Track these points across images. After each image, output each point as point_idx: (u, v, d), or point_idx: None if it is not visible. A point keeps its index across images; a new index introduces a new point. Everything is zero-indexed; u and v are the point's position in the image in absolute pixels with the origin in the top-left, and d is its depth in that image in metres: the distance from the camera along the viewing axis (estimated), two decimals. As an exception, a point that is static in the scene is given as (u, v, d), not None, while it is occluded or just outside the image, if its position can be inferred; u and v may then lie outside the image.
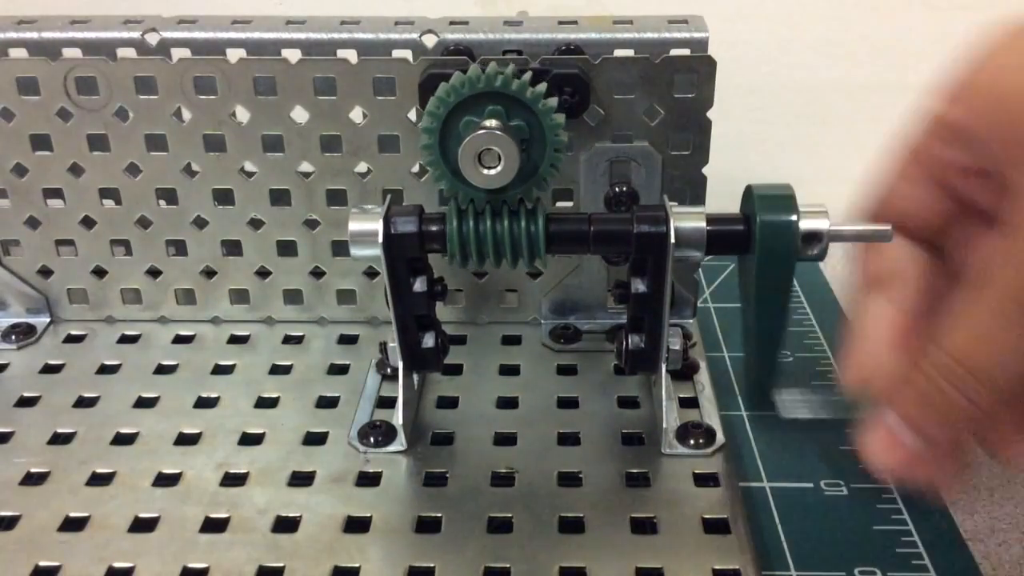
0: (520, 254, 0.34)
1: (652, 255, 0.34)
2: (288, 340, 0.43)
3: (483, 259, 0.34)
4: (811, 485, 0.36)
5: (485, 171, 0.32)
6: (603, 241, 0.34)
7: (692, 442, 0.36)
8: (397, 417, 0.36)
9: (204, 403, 0.39)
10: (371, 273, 0.43)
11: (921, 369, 0.29)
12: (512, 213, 0.33)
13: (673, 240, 0.33)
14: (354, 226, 0.34)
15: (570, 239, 0.34)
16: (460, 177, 0.32)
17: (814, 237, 0.32)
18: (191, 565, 0.31)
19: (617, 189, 0.39)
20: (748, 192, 0.34)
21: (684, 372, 0.39)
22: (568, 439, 0.37)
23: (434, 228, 0.34)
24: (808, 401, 0.40)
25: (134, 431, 0.38)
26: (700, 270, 0.43)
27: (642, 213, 0.34)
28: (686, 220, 0.33)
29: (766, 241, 0.32)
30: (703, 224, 0.33)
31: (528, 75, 0.32)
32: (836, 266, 0.51)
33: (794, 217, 0.32)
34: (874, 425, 0.30)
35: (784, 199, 0.33)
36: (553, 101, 0.32)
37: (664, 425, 0.36)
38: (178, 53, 0.39)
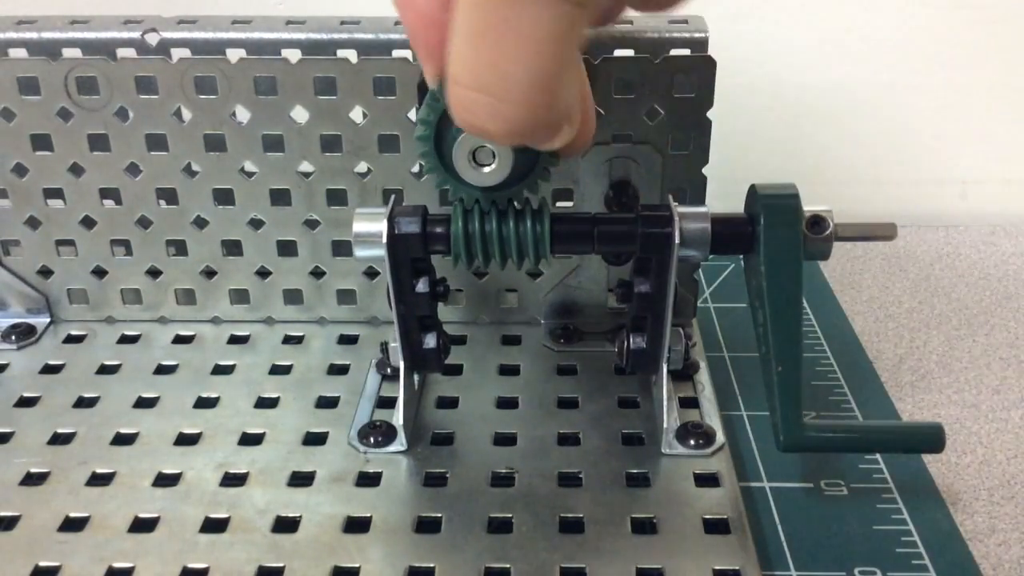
0: (525, 254, 0.34)
1: (656, 255, 0.34)
2: (288, 340, 0.43)
3: (488, 259, 0.34)
4: (811, 485, 0.36)
5: (480, 169, 0.32)
6: (608, 241, 0.34)
7: (692, 442, 0.36)
8: (397, 417, 0.36)
9: (204, 403, 0.39)
10: (371, 273, 0.43)
11: None
12: (517, 213, 0.33)
13: (678, 241, 0.33)
14: (358, 227, 0.34)
15: (575, 239, 0.34)
16: (459, 178, 0.32)
17: (820, 233, 0.32)
18: (191, 565, 0.31)
19: (617, 189, 0.39)
20: (752, 192, 0.34)
21: (684, 372, 0.39)
22: (568, 439, 0.37)
23: (438, 229, 0.34)
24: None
25: (134, 431, 0.38)
26: (700, 270, 0.43)
27: (647, 213, 0.34)
28: (691, 221, 0.33)
29: (771, 241, 0.32)
30: (708, 224, 0.33)
31: None
32: (836, 266, 0.51)
33: (798, 217, 0.32)
34: None
35: (788, 198, 0.33)
36: None
37: (664, 425, 0.36)
38: (178, 53, 0.39)
